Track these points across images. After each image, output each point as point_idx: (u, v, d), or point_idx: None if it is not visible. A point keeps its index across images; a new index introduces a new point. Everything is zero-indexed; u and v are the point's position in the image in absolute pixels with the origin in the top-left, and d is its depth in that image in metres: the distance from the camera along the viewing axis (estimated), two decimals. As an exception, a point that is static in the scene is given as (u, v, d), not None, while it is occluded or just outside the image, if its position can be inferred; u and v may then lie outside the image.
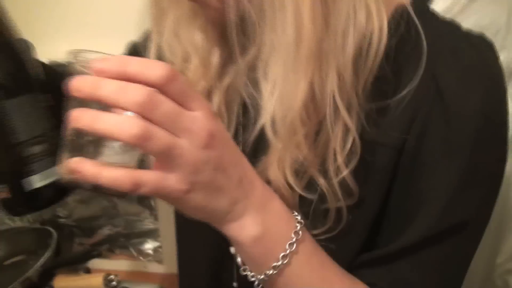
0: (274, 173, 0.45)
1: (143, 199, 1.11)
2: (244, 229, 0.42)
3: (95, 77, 0.33)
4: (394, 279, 0.47)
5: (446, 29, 0.49)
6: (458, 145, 0.44)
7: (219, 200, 0.40)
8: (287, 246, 0.43)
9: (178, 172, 0.36)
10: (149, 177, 0.35)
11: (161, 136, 0.33)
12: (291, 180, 0.45)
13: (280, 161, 0.45)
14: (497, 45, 0.78)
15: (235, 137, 0.53)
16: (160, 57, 0.54)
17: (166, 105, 0.34)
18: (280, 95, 0.42)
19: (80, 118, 0.34)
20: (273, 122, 0.44)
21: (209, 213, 0.40)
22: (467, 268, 0.49)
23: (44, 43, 0.73)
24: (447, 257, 0.47)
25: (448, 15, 0.74)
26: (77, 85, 0.33)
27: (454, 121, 0.44)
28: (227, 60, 0.52)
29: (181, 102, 0.35)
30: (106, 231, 1.15)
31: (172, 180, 0.36)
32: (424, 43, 0.44)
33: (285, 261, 0.42)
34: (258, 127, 0.46)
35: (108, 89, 0.32)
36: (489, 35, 0.77)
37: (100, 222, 1.15)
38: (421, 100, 0.45)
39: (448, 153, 0.44)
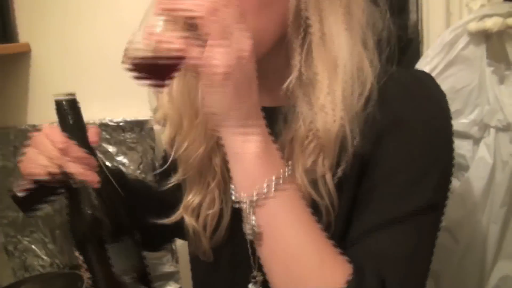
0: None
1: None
2: (249, 142, 0.47)
3: None
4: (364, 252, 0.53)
5: (399, 74, 0.58)
6: (408, 149, 0.54)
7: (242, 102, 0.46)
8: (277, 177, 0.47)
9: (224, 53, 0.43)
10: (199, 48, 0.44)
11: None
12: (307, 182, 0.53)
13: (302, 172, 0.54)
14: (471, 103, 0.92)
15: None
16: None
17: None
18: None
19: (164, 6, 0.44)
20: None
21: (228, 112, 0.46)
22: (429, 250, 0.55)
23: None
24: (405, 238, 0.54)
25: None
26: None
27: (405, 131, 0.54)
28: None
29: None
30: (130, 274, 1.22)
31: (217, 55, 0.43)
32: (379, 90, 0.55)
33: (271, 193, 0.47)
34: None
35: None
36: (464, 95, 0.91)
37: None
38: (381, 120, 0.53)
39: (401, 155, 0.54)
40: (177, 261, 1.19)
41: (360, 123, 0.53)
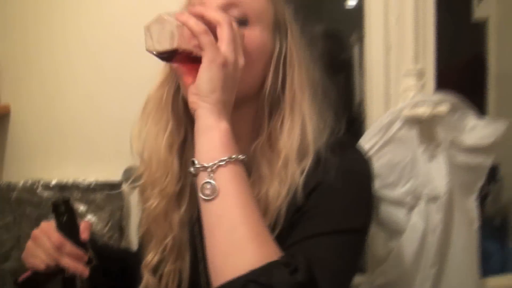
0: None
1: None
2: (221, 123, 0.58)
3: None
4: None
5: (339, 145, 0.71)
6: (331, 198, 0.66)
7: (224, 92, 0.59)
8: (236, 156, 0.57)
9: (229, 51, 0.59)
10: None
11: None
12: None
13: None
14: (405, 176, 1.05)
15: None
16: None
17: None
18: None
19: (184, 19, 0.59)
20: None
21: (212, 91, 0.58)
22: (353, 261, 0.67)
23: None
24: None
25: (369, 153, 0.99)
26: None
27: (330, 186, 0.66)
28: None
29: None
30: None
31: (224, 48, 0.59)
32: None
33: (230, 164, 0.57)
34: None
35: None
36: (399, 169, 1.04)
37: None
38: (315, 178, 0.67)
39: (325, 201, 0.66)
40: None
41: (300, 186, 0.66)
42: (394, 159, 1.04)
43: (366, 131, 1.07)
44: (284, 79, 0.70)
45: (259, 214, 0.58)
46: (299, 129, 0.68)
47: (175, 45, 0.58)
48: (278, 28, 0.72)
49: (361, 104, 1.16)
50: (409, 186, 1.04)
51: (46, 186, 1.19)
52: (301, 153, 0.68)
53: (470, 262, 1.05)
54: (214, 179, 0.56)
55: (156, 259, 0.71)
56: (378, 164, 1.02)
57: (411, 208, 1.03)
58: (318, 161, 0.68)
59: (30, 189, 1.20)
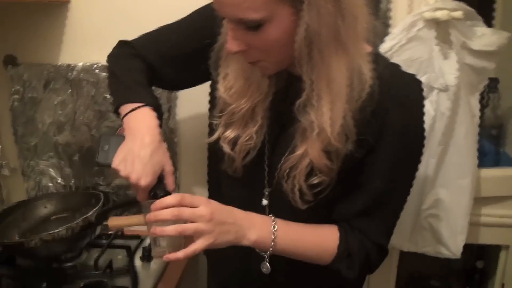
0: (316, 156, 0.76)
1: None
2: (248, 239, 0.78)
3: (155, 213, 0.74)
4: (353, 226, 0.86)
5: (390, 73, 0.76)
6: (393, 146, 0.78)
7: (229, 237, 0.76)
8: (272, 235, 0.80)
9: (204, 235, 0.74)
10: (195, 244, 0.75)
11: (189, 227, 0.73)
12: (325, 160, 0.77)
13: (320, 150, 0.76)
14: (422, 70, 1.22)
15: (271, 135, 0.85)
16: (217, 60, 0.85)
17: (186, 212, 0.73)
18: (330, 115, 0.73)
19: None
20: (322, 130, 0.74)
21: (227, 243, 0.77)
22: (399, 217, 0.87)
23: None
24: (388, 213, 0.86)
25: (392, 50, 1.15)
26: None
27: (392, 133, 0.77)
28: (271, 86, 0.82)
29: (191, 206, 0.74)
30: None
31: (203, 240, 0.74)
32: (377, 92, 0.74)
33: (274, 243, 0.80)
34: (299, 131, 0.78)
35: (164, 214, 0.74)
36: (417, 64, 1.21)
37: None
38: (375, 123, 0.77)
39: (385, 151, 0.79)
40: (178, 188, 1.40)
41: (357, 122, 0.75)
42: (414, 55, 1.20)
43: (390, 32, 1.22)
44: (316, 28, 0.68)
45: (310, 242, 0.86)
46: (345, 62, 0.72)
47: None
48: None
49: (387, 10, 1.30)
50: (425, 78, 1.20)
51: (104, 68, 1.33)
52: (354, 88, 0.74)
53: (470, 148, 1.25)
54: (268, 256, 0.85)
55: (233, 135, 0.85)
56: (399, 59, 1.18)
57: (425, 98, 1.17)
58: (371, 99, 0.74)
59: (89, 69, 1.34)
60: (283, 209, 0.84)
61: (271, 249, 0.81)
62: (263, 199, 0.88)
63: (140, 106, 0.84)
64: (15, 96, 1.39)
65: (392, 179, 0.82)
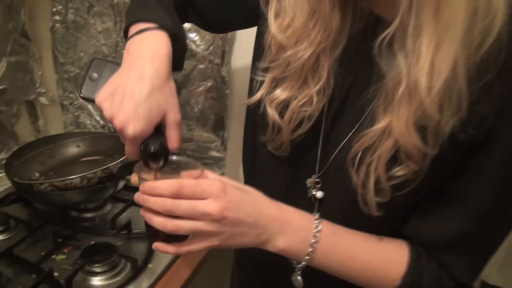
0: (403, 131, 0.51)
1: (218, 129, 1.20)
2: (273, 246, 0.58)
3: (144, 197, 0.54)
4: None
5: None
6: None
7: (244, 240, 0.56)
8: (309, 248, 0.58)
9: (207, 237, 0.54)
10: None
11: (184, 225, 0.53)
12: (417, 139, 0.51)
13: (410, 121, 0.50)
14: None
15: (344, 103, 0.59)
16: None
17: (182, 208, 0.52)
18: (430, 66, 0.46)
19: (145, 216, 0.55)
20: (415, 87, 0.48)
21: (242, 245, 0.57)
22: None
23: None
24: (487, 244, 0.59)
25: None
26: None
27: None
28: (343, 29, 0.56)
29: (194, 198, 0.53)
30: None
31: (203, 242, 0.55)
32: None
33: (310, 256, 0.58)
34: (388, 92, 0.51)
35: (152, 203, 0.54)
36: None
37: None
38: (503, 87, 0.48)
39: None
40: (225, 149, 1.21)
41: (477, 79, 0.48)
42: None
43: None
44: None
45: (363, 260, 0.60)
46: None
47: None
48: None
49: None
50: None
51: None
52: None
53: None
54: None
55: (284, 96, 0.61)
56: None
57: None
58: (499, 51, 0.48)
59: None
60: (337, 209, 0.61)
61: (304, 263, 0.59)
62: (312, 190, 0.64)
63: (151, 27, 0.60)
64: (57, 17, 1.23)
65: (508, 189, 0.54)
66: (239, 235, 0.55)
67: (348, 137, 0.58)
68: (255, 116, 0.66)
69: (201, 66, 1.14)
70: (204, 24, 0.79)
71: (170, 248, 0.56)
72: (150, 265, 0.92)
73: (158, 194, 0.53)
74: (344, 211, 0.60)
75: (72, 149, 1.19)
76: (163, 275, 0.91)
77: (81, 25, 1.23)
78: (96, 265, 0.87)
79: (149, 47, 0.57)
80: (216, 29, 0.87)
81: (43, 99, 1.34)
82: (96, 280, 0.86)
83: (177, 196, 0.52)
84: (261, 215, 0.57)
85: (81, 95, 0.64)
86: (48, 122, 1.38)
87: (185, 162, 0.62)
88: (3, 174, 1.09)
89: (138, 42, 0.59)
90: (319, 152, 0.62)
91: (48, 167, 1.14)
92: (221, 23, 0.79)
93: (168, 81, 0.57)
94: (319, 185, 0.64)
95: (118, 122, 0.54)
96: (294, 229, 0.58)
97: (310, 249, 0.58)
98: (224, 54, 1.13)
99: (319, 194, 0.64)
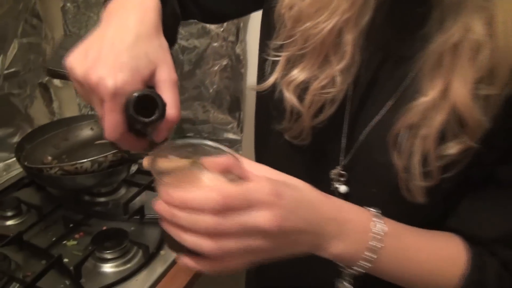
0: (465, 97, 0.44)
1: (234, 110, 1.15)
2: (325, 251, 0.48)
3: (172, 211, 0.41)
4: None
5: None
6: None
7: (295, 250, 0.46)
8: (370, 254, 0.48)
9: (253, 253, 0.43)
10: None
11: (232, 246, 0.41)
12: (476, 108, 0.45)
13: (470, 86, 0.44)
14: None
15: (374, 82, 0.53)
16: None
17: (229, 223, 0.40)
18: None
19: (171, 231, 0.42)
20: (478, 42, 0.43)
21: (289, 256, 0.46)
22: None
23: None
24: None
25: None
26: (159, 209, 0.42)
27: None
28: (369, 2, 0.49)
29: (241, 209, 0.41)
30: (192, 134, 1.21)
31: (252, 256, 0.44)
32: None
33: (371, 262, 0.48)
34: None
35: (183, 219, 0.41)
36: None
37: (188, 126, 1.21)
38: None
39: None
40: (241, 131, 1.17)
41: None
42: None
43: None
44: None
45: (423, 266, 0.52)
46: None
47: None
48: None
49: None
50: None
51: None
52: None
53: None
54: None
55: (302, 77, 0.54)
56: None
57: None
58: None
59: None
60: (367, 203, 0.52)
61: (362, 270, 0.50)
62: (336, 183, 0.58)
63: None
64: (67, -5, 1.19)
65: None
66: (291, 244, 0.46)
67: (382, 117, 0.52)
68: (268, 103, 0.60)
69: (215, 44, 1.09)
70: (204, 15, 0.73)
71: (206, 265, 0.44)
72: (162, 252, 0.89)
73: (193, 208, 0.41)
74: (377, 204, 0.52)
75: (86, 132, 1.16)
76: (176, 262, 0.88)
77: (92, 3, 1.19)
78: (107, 252, 0.84)
79: (132, 1, 0.50)
80: (218, 19, 0.82)
81: (56, 81, 1.31)
82: (107, 267, 0.84)
83: (221, 213, 0.40)
84: (317, 218, 0.47)
85: (47, 67, 0.57)
86: (62, 104, 1.35)
87: (203, 145, 0.49)
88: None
89: (118, 2, 0.52)
90: (343, 139, 0.56)
91: (61, 150, 1.11)
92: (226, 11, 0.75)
93: (158, 34, 0.49)
94: (343, 178, 0.57)
95: (94, 76, 0.43)
96: (352, 230, 0.48)
97: (372, 254, 0.49)
98: (239, 31, 1.07)
99: (343, 188, 0.57)
